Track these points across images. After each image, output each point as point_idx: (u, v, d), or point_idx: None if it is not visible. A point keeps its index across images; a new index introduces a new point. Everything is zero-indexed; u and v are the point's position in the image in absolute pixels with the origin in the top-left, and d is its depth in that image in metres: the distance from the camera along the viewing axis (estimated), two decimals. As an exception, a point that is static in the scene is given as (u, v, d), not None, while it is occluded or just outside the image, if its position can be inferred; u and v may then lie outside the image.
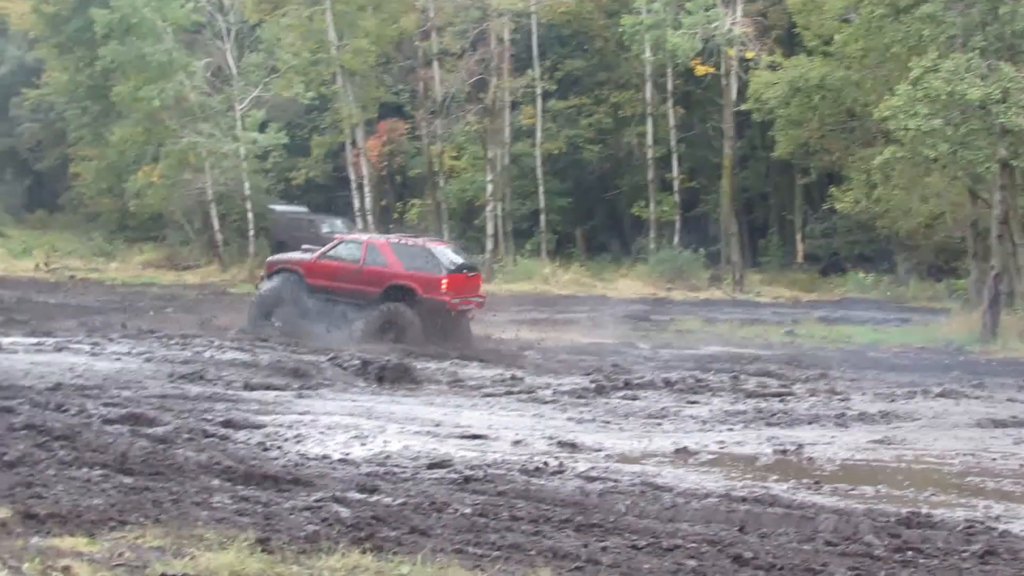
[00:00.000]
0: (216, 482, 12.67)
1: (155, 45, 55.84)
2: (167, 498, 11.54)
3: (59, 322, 34.58)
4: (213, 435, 15.79)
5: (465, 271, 34.05)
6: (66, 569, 8.36)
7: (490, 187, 56.29)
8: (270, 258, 36.39)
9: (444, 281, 32.55)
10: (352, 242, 35.14)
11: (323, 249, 34.25)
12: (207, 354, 25.98)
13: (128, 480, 12.44)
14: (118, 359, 24.89)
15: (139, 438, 15.06)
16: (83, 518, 10.21)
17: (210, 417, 17.38)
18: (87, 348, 26.88)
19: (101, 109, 64.35)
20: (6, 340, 28.36)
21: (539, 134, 57.50)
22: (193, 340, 28.95)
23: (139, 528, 10.00)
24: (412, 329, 31.62)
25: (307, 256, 33.82)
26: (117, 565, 8.66)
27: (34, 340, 28.69)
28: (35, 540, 9.36)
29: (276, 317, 32.76)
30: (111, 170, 63.64)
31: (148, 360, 24.77)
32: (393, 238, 35.85)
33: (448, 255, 34.58)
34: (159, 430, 15.83)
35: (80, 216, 68.81)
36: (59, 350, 26.42)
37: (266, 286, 33.41)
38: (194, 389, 21.04)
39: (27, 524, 9.85)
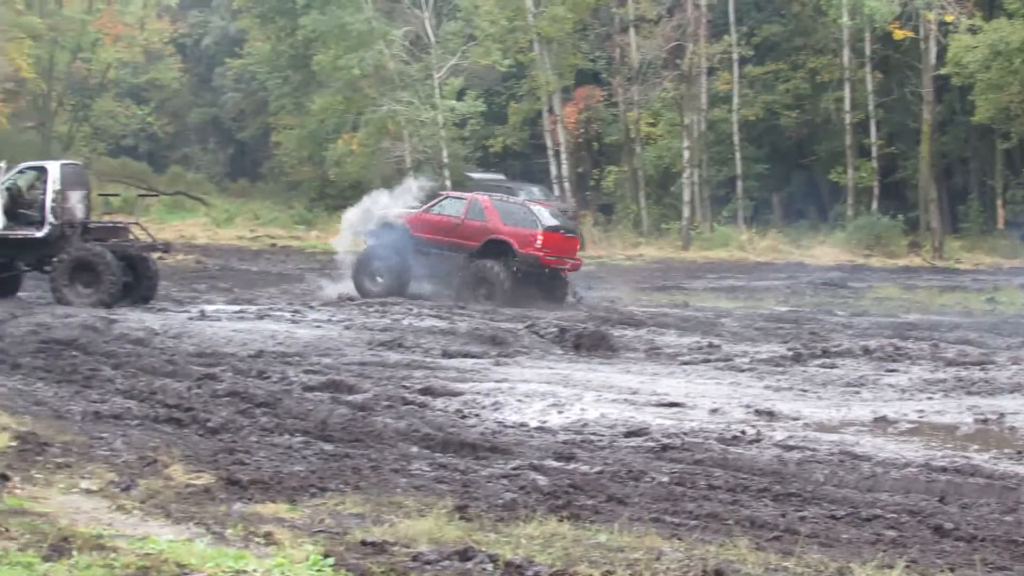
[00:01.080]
0: (415, 449, 12.80)
1: (355, 14, 56.45)
2: (366, 465, 11.68)
3: (262, 289, 35.21)
4: (411, 402, 15.95)
5: (563, 231, 35.05)
6: (268, 535, 8.51)
7: (686, 154, 55.86)
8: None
9: (540, 237, 33.37)
10: (457, 198, 36.32)
11: (429, 204, 35.59)
12: (405, 321, 26.25)
13: (328, 447, 12.63)
14: (318, 327, 25.27)
15: (339, 405, 15.28)
16: (284, 484, 10.39)
17: (408, 384, 17.55)
18: (288, 316, 27.34)
19: (302, 78, 65.26)
20: (210, 308, 29.00)
21: (736, 100, 56.87)
22: (392, 308, 29.26)
23: (339, 495, 10.14)
24: (501, 286, 32.68)
25: (412, 210, 35.03)
26: (317, 531, 8.80)
27: (237, 308, 29.28)
28: (238, 506, 9.55)
29: (377, 272, 34.07)
30: (311, 139, 64.49)
31: (348, 328, 25.10)
32: (496, 196, 37.15)
33: (546, 214, 35.48)
34: (358, 397, 16.04)
35: (281, 184, 69.92)
36: (261, 318, 26.92)
37: (372, 241, 34.62)
38: (393, 356, 21.27)
39: (230, 490, 10.05)
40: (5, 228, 29.85)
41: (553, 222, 34.84)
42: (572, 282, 34.86)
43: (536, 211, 35.13)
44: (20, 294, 31.74)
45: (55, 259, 29.41)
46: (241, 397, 15.51)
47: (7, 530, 7.95)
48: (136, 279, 30.36)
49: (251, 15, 69.46)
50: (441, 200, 36.05)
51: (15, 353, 19.78)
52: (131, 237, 31.22)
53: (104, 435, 12.45)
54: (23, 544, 7.73)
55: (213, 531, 8.61)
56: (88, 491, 9.67)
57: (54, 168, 30.46)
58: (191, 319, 26.11)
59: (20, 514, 8.57)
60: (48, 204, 29.71)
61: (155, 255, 31.50)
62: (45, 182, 30.05)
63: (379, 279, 33.79)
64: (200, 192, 68.90)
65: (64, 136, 73.89)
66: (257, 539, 8.45)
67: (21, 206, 30.35)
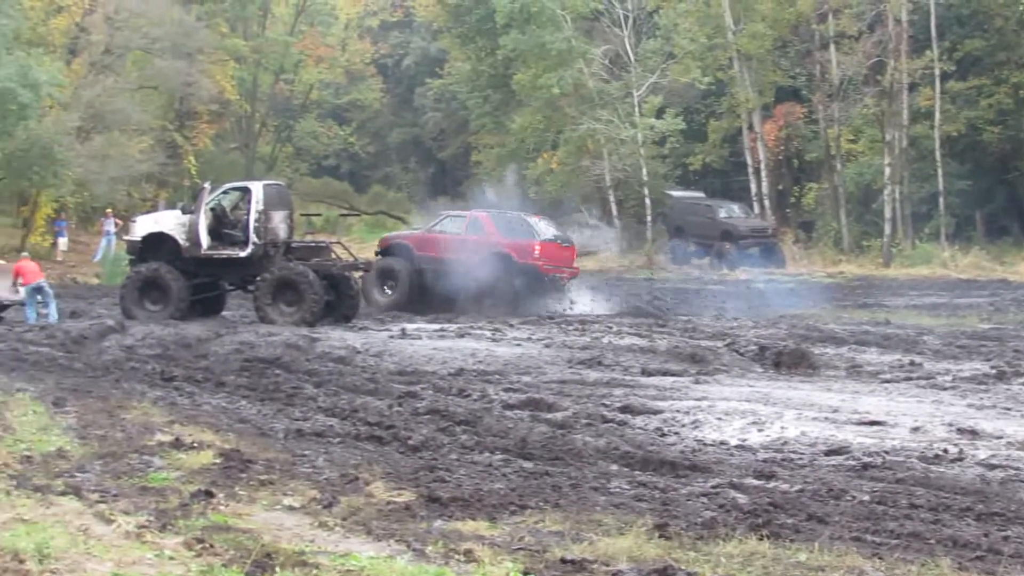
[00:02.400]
0: (614, 467, 12.73)
1: (555, 33, 56.65)
2: (566, 483, 11.64)
3: (460, 308, 35.40)
4: (611, 420, 15.87)
5: (559, 242, 36.95)
6: (468, 552, 8.51)
7: (888, 170, 54.94)
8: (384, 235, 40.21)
9: (537, 247, 35.41)
10: (456, 216, 38.33)
11: (431, 223, 37.94)
12: (605, 340, 26.16)
13: (528, 465, 12.62)
14: (518, 345, 25.31)
15: (539, 423, 15.26)
16: (484, 502, 10.38)
17: (608, 403, 17.46)
18: (488, 334, 27.44)
19: (502, 98, 65.66)
20: (411, 326, 29.24)
21: (938, 116, 55.68)
22: (592, 326, 29.25)
23: (539, 512, 10.11)
24: (502, 295, 34.39)
25: (416, 231, 38.10)
26: (517, 549, 8.77)
27: (437, 326, 29.48)
28: (438, 523, 9.57)
29: (389, 287, 35.65)
30: (511, 157, 64.80)
31: (547, 346, 25.09)
32: (493, 211, 38.74)
33: (542, 226, 37.50)
34: (558, 415, 16.00)
35: (480, 204, 70.38)
36: (461, 336, 27.06)
37: (381, 260, 36.10)
38: (592, 375, 21.21)
39: (430, 507, 10.08)
40: (209, 248, 30.44)
41: (550, 234, 36.90)
42: (567, 289, 36.59)
43: (532, 223, 37.10)
44: (224, 313, 32.37)
45: (258, 278, 29.91)
46: (441, 415, 15.57)
47: (212, 546, 8.06)
48: (338, 298, 30.75)
49: (451, 35, 70.07)
50: (442, 219, 38.02)
51: (220, 371, 20.15)
52: (333, 256, 31.63)
53: (306, 452, 12.58)
54: (227, 560, 7.82)
55: (414, 548, 8.63)
56: (291, 508, 9.77)
57: (257, 188, 30.98)
58: (392, 337, 26.35)
59: (224, 530, 8.68)
60: (252, 224, 30.23)
61: (357, 274, 31.88)
62: (249, 202, 30.60)
63: (388, 292, 35.67)
64: (401, 211, 69.62)
65: (267, 157, 75.28)
66: (457, 556, 8.45)
67: (225, 226, 30.95)
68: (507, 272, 34.24)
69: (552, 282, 35.77)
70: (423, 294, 35.25)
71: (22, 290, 30.37)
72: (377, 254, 36.49)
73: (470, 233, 35.82)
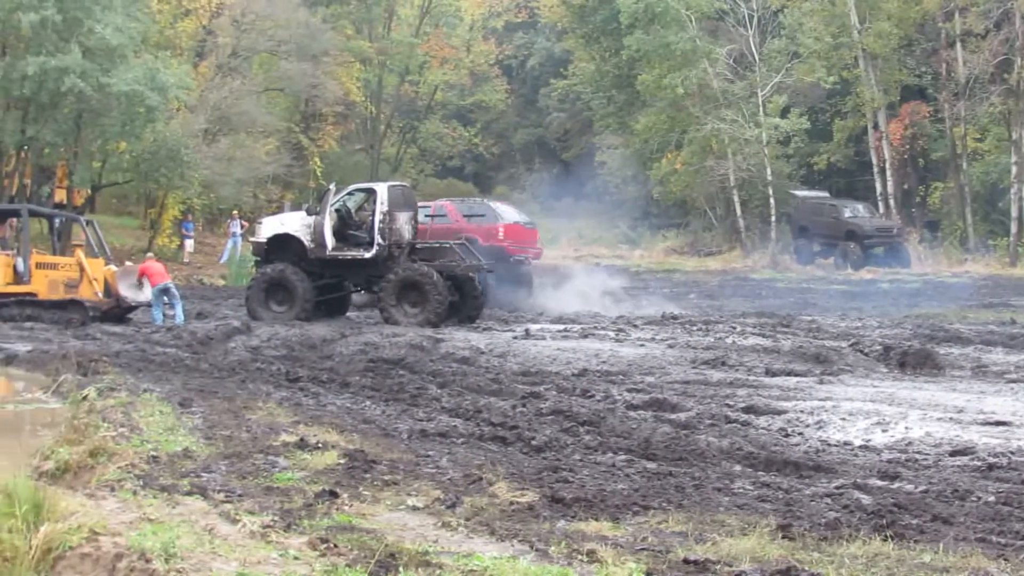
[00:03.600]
0: (737, 468, 12.63)
1: (679, 33, 56.56)
2: (689, 483, 11.57)
3: (585, 308, 35.44)
4: (735, 421, 15.76)
5: (522, 224, 38.83)
6: (591, 553, 8.47)
7: (1015, 168, 54.16)
8: None
9: (502, 230, 37.29)
10: (421, 207, 37.91)
11: None
12: (729, 340, 26.03)
13: (651, 465, 12.55)
14: (642, 345, 25.24)
15: (662, 424, 15.19)
16: (607, 503, 10.33)
17: (731, 403, 17.34)
18: (612, 335, 27.40)
19: (626, 98, 65.66)
20: (534, 327, 29.26)
21: (1067, 112, 54.98)
22: (715, 326, 29.12)
23: (661, 513, 10.05)
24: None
25: None
26: (640, 550, 8.72)
27: (561, 327, 29.49)
28: (561, 524, 9.54)
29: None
30: (635, 158, 64.72)
31: (671, 346, 25.00)
32: (456, 199, 41.58)
33: (505, 209, 39.55)
34: (682, 416, 15.92)
35: (605, 203, 70.28)
36: (585, 336, 27.04)
37: None
38: (716, 375, 21.09)
39: (553, 508, 10.05)
40: (334, 249, 30.68)
41: (512, 217, 38.83)
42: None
43: (495, 207, 39.35)
44: (349, 314, 32.62)
45: (383, 279, 30.06)
46: (565, 415, 15.54)
47: (336, 546, 8.09)
48: (462, 299, 30.85)
49: (576, 35, 70.18)
50: None
51: (344, 372, 20.28)
52: (457, 257, 31.72)
53: (430, 453, 12.61)
54: (351, 560, 7.85)
55: (537, 548, 8.60)
56: (414, 508, 9.79)
57: (382, 190, 31.18)
58: (516, 338, 26.37)
59: (348, 530, 8.71)
60: (376, 225, 30.41)
61: (481, 274, 31.99)
62: (373, 204, 30.79)
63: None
64: (525, 212, 69.65)
65: (392, 158, 75.76)
66: (580, 557, 8.42)
67: (350, 227, 31.19)
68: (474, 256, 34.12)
69: (519, 264, 37.34)
70: None
71: (148, 291, 30.79)
72: None
73: (436, 222, 37.12)
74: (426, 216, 37.00)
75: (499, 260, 35.59)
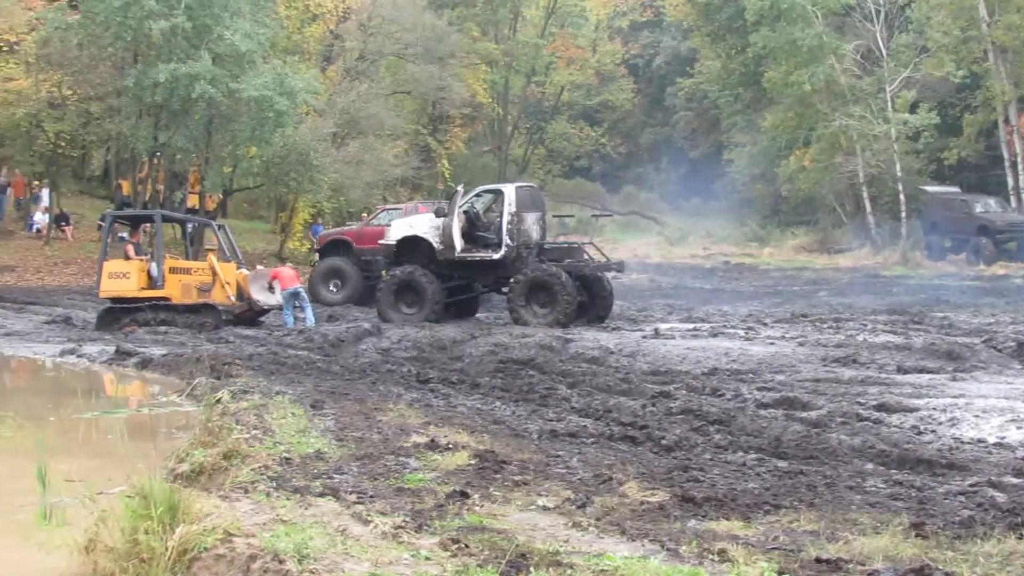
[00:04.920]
0: (870, 466, 12.50)
1: (805, 30, 56.07)
2: (821, 482, 11.47)
3: (715, 307, 35.28)
4: (866, 419, 15.59)
5: None
6: (722, 552, 8.44)
7: None
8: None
9: None
10: (393, 209, 40.89)
11: (368, 218, 41.70)
12: (860, 337, 25.76)
13: (782, 464, 12.47)
14: (771, 343, 25.06)
15: (793, 422, 15.07)
16: (738, 502, 10.28)
17: (863, 401, 17.16)
18: (741, 333, 27.25)
19: (752, 95, 65.28)
20: (664, 326, 29.18)
21: None
22: (846, 324, 28.87)
23: (793, 512, 9.98)
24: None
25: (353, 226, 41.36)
26: (772, 549, 8.67)
27: (690, 326, 29.38)
28: (692, 523, 9.51)
29: (335, 285, 39.02)
30: (763, 155, 64.32)
31: (801, 344, 24.81)
32: (429, 202, 41.58)
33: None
34: (812, 414, 15.78)
35: (733, 202, 69.93)
36: (714, 335, 26.91)
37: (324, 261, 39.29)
38: (847, 372, 20.88)
39: (684, 507, 10.02)
40: (463, 250, 30.80)
41: None
42: None
43: None
44: (479, 315, 32.72)
45: (512, 280, 30.13)
46: (695, 415, 15.49)
47: (467, 546, 8.13)
48: (591, 299, 30.85)
49: (701, 33, 69.88)
50: (378, 214, 41.15)
51: (474, 373, 20.35)
52: (586, 257, 31.72)
53: (560, 453, 12.62)
54: (482, 560, 7.88)
55: (668, 548, 8.59)
56: (545, 508, 9.80)
57: (510, 191, 31.24)
58: (645, 337, 26.32)
59: (479, 530, 8.75)
60: (504, 226, 30.49)
61: (609, 274, 31.92)
62: (501, 205, 30.86)
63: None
64: (653, 211, 69.66)
65: (519, 159, 75.95)
66: (711, 556, 8.39)
67: (478, 228, 31.28)
68: None
69: None
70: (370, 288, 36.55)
71: (279, 295, 31.13)
72: (315, 250, 37.92)
73: None
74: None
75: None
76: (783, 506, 10.19)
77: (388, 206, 43.75)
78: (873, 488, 11.26)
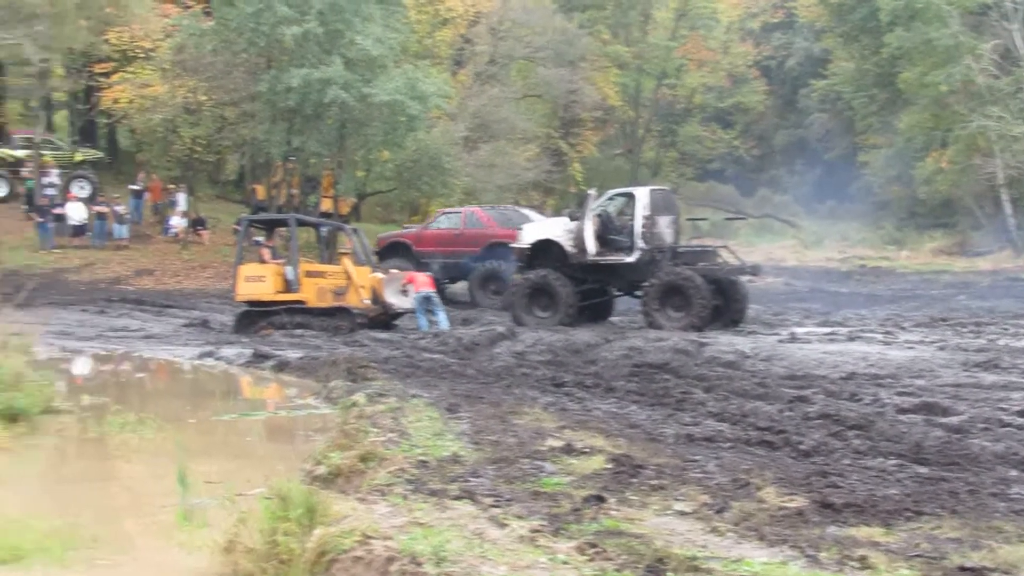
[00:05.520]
0: (1014, 473, 12.28)
1: (941, 29, 55.31)
2: (963, 489, 11.29)
3: (852, 311, 34.95)
4: (1009, 424, 15.30)
5: None
6: (862, 559, 8.35)
7: None
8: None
9: None
10: (452, 214, 41.88)
11: (427, 222, 42.37)
12: (1001, 342, 25.39)
13: (923, 470, 12.28)
14: (911, 348, 24.74)
15: (933, 427, 14.85)
16: (878, 508, 10.16)
17: (1006, 406, 16.84)
18: (879, 337, 26.93)
19: (888, 97, 64.51)
20: (800, 330, 28.94)
21: None
22: (987, 327, 28.45)
23: (935, 519, 9.84)
24: (509, 281, 35.91)
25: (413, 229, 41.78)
26: (913, 556, 8.56)
27: (827, 330, 29.11)
28: (831, 529, 9.41)
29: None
30: (899, 157, 63.59)
31: (941, 348, 24.46)
32: (486, 206, 42.43)
33: (535, 215, 40.08)
34: (953, 419, 15.54)
35: (869, 204, 69.13)
36: (852, 339, 26.63)
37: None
38: (988, 377, 20.52)
39: (823, 513, 9.91)
40: (597, 254, 30.77)
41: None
42: None
43: (528, 213, 40.40)
44: (612, 319, 32.66)
45: (645, 284, 30.04)
46: (833, 419, 15.31)
47: (604, 550, 8.10)
48: (725, 302, 30.63)
49: (835, 34, 69.27)
50: (437, 217, 41.76)
51: (609, 377, 20.30)
52: (720, 260, 31.54)
53: (696, 457, 12.54)
54: (620, 564, 7.85)
55: (807, 554, 8.50)
56: (682, 513, 9.75)
57: (643, 194, 31.16)
58: (781, 341, 26.12)
59: (616, 535, 8.71)
60: (638, 229, 30.42)
61: (744, 278, 31.71)
62: (634, 208, 30.78)
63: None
64: (787, 214, 69.14)
65: (651, 162, 75.81)
66: (851, 563, 8.30)
67: (611, 232, 31.22)
68: (508, 260, 35.34)
69: None
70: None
71: (413, 297, 31.29)
72: (375, 252, 38.08)
73: (468, 227, 38.37)
74: (456, 223, 40.23)
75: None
76: (924, 513, 10.05)
77: (447, 210, 44.00)
78: (1018, 495, 11.05)
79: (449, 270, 39.27)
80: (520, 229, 33.83)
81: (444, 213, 42.42)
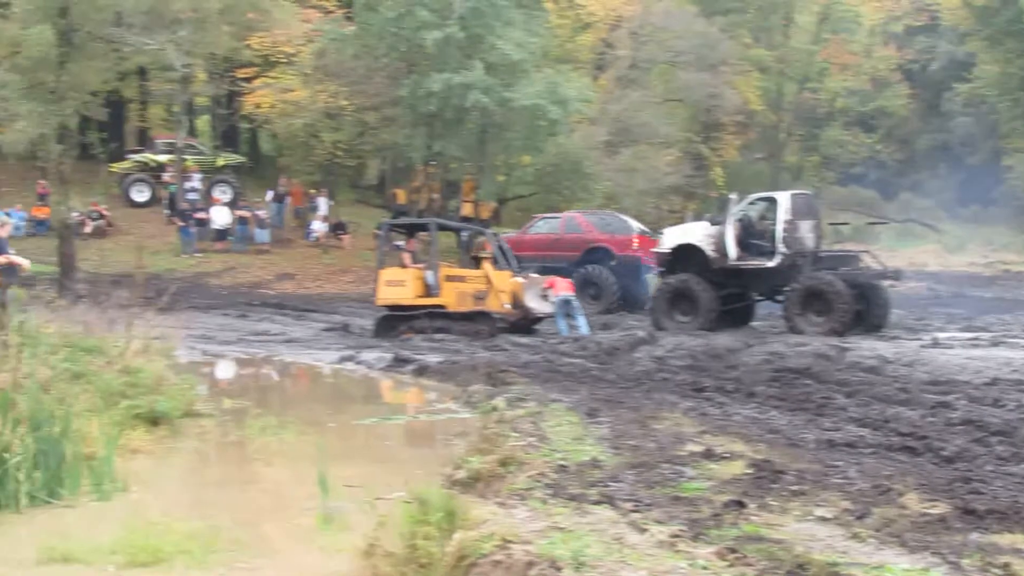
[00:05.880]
0: None
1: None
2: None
3: (995, 316, 34.49)
4: None
5: (647, 235, 39.06)
6: (1006, 566, 8.25)
7: None
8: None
9: (636, 240, 38.63)
10: (552, 219, 41.91)
11: (525, 227, 42.18)
12: None
13: (1069, 479, 12.14)
14: (1055, 354, 24.38)
15: (1078, 435, 14.65)
16: (1021, 514, 10.03)
17: None
18: (1023, 343, 26.57)
19: (1033, 101, 63.54)
20: (942, 335, 28.60)
21: None
22: None
23: (1085, 529, 9.73)
24: (608, 286, 37.29)
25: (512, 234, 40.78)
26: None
27: (970, 335, 28.74)
28: (974, 536, 9.30)
29: None
30: (1044, 162, 62.63)
31: (1087, 354, 24.09)
32: (586, 211, 43.00)
33: (632, 221, 40.62)
34: (1100, 427, 15.32)
35: (1013, 209, 68.03)
36: (995, 344, 26.29)
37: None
38: None
39: (965, 520, 9.81)
40: (738, 258, 30.66)
41: (638, 228, 39.91)
42: None
43: (626, 219, 40.76)
44: (753, 323, 32.51)
45: (786, 288, 29.90)
46: (976, 425, 15.12)
47: (744, 556, 8.09)
48: (867, 307, 30.37)
49: (979, 38, 68.24)
50: (536, 222, 41.51)
51: (749, 382, 20.21)
52: (862, 265, 31.30)
53: (837, 463, 12.46)
54: (760, 570, 7.84)
55: (949, 561, 8.43)
56: (822, 519, 9.70)
57: (784, 198, 31.01)
58: (923, 346, 25.86)
59: (756, 540, 8.70)
60: (779, 234, 30.27)
61: (886, 282, 31.40)
62: (776, 212, 30.63)
63: None
64: (930, 218, 68.23)
65: (793, 166, 75.20)
66: (994, 570, 8.22)
67: (752, 236, 31.10)
68: (606, 264, 36.11)
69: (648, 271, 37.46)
70: None
71: (553, 301, 31.36)
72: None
73: (567, 232, 38.48)
74: (555, 228, 40.64)
75: (633, 270, 38.08)
76: (1075, 522, 9.91)
77: (545, 215, 43.94)
78: None
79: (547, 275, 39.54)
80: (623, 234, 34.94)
81: (543, 218, 42.42)
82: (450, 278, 31.48)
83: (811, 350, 24.42)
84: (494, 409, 16.24)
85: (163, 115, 68.79)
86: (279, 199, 55.43)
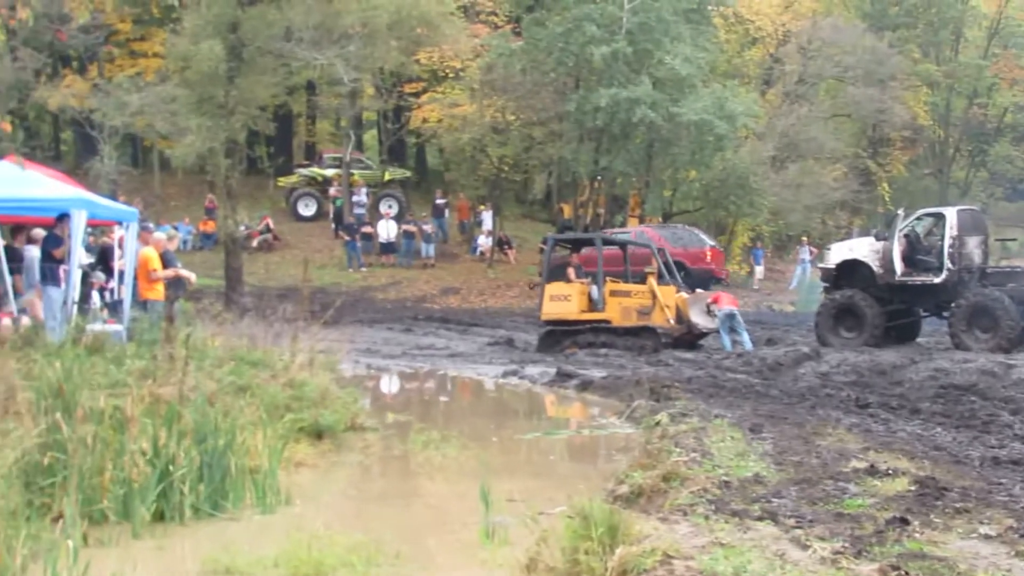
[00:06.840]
0: None
1: None
2: None
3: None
4: None
5: (715, 247, 40.83)
6: None
7: None
8: None
9: (709, 253, 40.11)
10: (620, 233, 41.76)
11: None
12: None
13: None
14: None
15: None
16: None
17: None
18: None
19: None
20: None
21: None
22: None
23: None
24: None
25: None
26: None
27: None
28: None
29: None
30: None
31: None
32: (655, 225, 43.85)
33: (705, 235, 41.81)
34: None
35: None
36: None
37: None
38: None
39: None
40: (903, 274, 30.38)
41: (710, 242, 41.06)
42: None
43: (698, 233, 41.88)
44: (919, 339, 32.15)
45: (953, 304, 29.57)
46: None
47: (907, 573, 8.10)
48: (1036, 324, 29.89)
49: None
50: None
51: (914, 398, 20.06)
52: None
53: (1002, 480, 12.35)
54: (922, 586, 7.85)
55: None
56: (986, 537, 9.65)
57: (951, 214, 30.67)
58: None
59: (920, 558, 8.69)
60: (946, 250, 29.94)
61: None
62: (943, 228, 30.31)
63: None
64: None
65: (961, 182, 74.06)
66: None
67: (919, 252, 30.80)
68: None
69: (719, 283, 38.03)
70: None
71: (717, 315, 31.30)
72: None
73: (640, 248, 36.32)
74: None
75: (706, 282, 38.41)
76: None
77: (617, 230, 44.09)
78: None
79: None
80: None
81: (616, 232, 42.20)
82: (614, 293, 31.54)
83: (977, 367, 24.13)
84: (657, 424, 16.32)
85: (331, 129, 69.69)
86: (438, 213, 55.87)
